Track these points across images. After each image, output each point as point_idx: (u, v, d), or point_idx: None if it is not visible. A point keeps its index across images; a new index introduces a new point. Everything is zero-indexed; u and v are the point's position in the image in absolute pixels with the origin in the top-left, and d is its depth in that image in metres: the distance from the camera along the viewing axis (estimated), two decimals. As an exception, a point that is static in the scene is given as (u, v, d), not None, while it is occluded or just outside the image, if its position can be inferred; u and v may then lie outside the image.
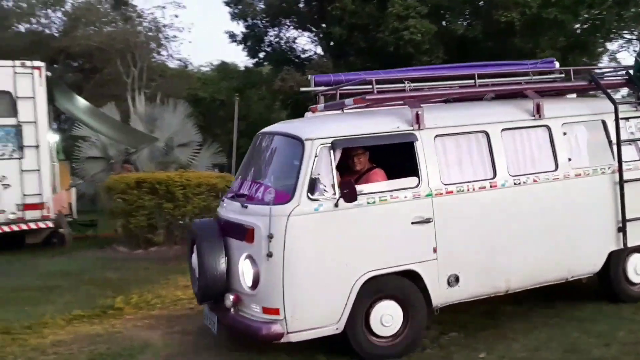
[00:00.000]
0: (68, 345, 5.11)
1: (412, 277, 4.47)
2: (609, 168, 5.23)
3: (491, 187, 4.74)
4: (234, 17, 19.86)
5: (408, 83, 5.24)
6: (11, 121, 9.93)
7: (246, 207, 4.48)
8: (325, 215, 4.22)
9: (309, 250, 4.20)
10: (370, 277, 4.29)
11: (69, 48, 19.55)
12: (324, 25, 19.83)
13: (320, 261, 4.21)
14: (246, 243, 4.30)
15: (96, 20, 20.84)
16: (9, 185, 9.84)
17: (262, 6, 19.92)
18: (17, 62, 10.21)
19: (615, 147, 5.26)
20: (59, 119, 18.05)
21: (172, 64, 23.49)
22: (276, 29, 20.88)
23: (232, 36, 20.34)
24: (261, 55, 20.93)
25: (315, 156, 4.27)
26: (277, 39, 21.04)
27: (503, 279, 4.80)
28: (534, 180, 4.91)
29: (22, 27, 21.13)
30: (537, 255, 4.91)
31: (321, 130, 4.47)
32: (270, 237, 4.10)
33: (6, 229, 9.84)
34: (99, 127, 13.05)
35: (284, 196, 4.22)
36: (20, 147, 9.92)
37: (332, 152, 4.31)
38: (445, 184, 4.58)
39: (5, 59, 10.72)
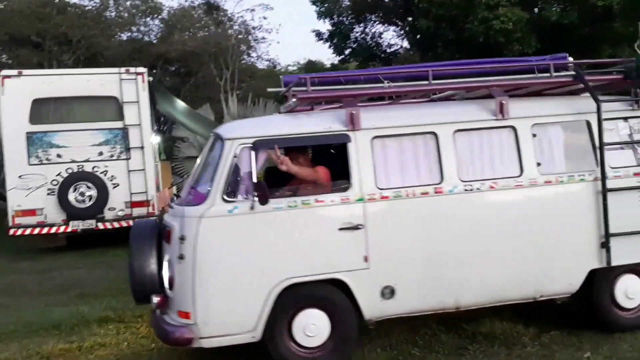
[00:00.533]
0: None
1: (342, 287, 4.18)
2: (590, 175, 4.54)
3: (436, 192, 4.31)
4: (320, 15, 20.10)
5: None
6: (118, 124, 10.67)
7: (172, 207, 4.46)
8: (240, 218, 4.04)
9: (222, 254, 4.03)
10: (290, 284, 4.07)
11: (166, 53, 20.67)
12: (410, 18, 19.65)
13: (234, 265, 4.03)
14: (167, 245, 4.22)
15: (190, 26, 21.87)
16: (117, 184, 10.60)
17: (348, 3, 20.05)
18: (122, 69, 10.95)
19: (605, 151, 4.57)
20: (160, 121, 19.12)
21: (261, 65, 24.24)
22: (362, 25, 20.94)
23: (319, 34, 20.61)
24: (347, 52, 21.05)
25: (235, 156, 4.10)
26: (362, 35, 21.10)
27: (451, 294, 4.34)
28: (491, 187, 4.38)
29: (124, 36, 22.56)
30: (494, 270, 4.37)
31: (244, 130, 4.31)
32: (182, 238, 4.01)
33: (116, 224, 10.61)
34: (196, 128, 13.74)
35: (201, 197, 4.14)
36: (127, 149, 10.63)
37: (253, 152, 4.09)
38: (381, 189, 4.24)
39: (111, 67, 11.51)
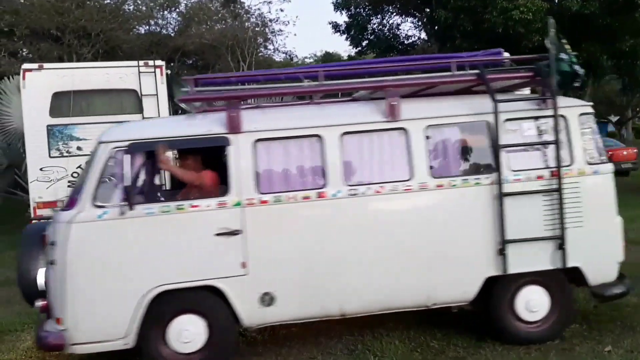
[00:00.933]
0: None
1: (220, 293, 4.11)
2: (486, 178, 4.32)
3: (319, 197, 4.18)
4: (337, 7, 20.05)
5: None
6: (138, 117, 10.71)
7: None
8: (111, 224, 3.98)
9: (92, 260, 3.97)
10: (163, 291, 4.01)
11: (183, 46, 20.74)
12: (427, 9, 19.49)
13: (104, 272, 3.98)
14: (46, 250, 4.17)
15: (208, 18, 21.90)
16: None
17: (365, -6, 19.95)
18: (141, 63, 11.02)
19: (502, 154, 4.34)
20: (177, 113, 19.24)
21: (278, 58, 24.21)
22: (379, 16, 20.84)
23: (336, 26, 20.56)
24: (364, 43, 20.98)
25: (108, 160, 4.04)
26: (380, 27, 21.01)
27: (335, 301, 4.22)
28: (377, 191, 4.23)
29: (142, 30, 22.69)
30: (381, 277, 4.23)
31: (121, 133, 4.23)
32: (52, 244, 3.98)
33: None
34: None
35: (73, 203, 4.09)
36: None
37: (129, 155, 3.99)
38: (262, 193, 4.15)
39: (129, 60, 11.59)
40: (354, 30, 20.42)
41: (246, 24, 21.91)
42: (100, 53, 19.78)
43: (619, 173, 19.44)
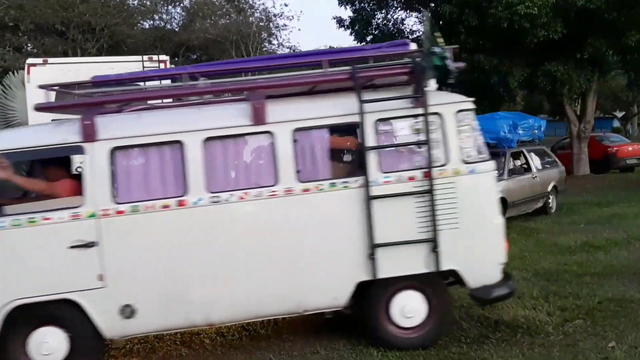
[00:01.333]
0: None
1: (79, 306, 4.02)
2: (355, 181, 4.17)
3: (180, 205, 4.05)
4: (342, 1, 19.97)
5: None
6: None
7: None
8: None
9: None
10: (20, 305, 3.93)
11: (188, 41, 20.79)
12: (432, 4, 19.39)
13: None
14: None
15: (212, 13, 21.90)
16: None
17: (370, -11, 19.89)
18: (146, 57, 11.01)
19: (370, 155, 4.17)
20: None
21: (282, 52, 24.15)
22: (383, 11, 20.76)
23: (340, 21, 20.50)
24: (369, 38, 20.89)
25: None
26: (384, 22, 20.93)
27: (200, 311, 4.11)
28: (240, 198, 4.09)
29: (146, 24, 22.71)
30: (247, 285, 4.11)
31: None
32: None
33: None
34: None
35: None
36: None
37: None
38: (118, 203, 4.01)
39: (133, 55, 11.60)
40: (358, 25, 20.35)
41: (250, 18, 21.92)
42: (105, 48, 19.80)
43: (624, 169, 19.43)
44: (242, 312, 4.20)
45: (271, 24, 22.51)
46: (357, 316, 4.45)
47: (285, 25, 22.59)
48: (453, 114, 4.28)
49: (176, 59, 20.62)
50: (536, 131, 11.04)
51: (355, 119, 4.17)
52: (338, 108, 4.25)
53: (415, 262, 4.18)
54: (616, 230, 8.77)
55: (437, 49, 4.03)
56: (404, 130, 4.25)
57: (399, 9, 20.94)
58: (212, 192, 4.09)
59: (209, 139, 4.13)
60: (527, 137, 10.75)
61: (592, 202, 12.15)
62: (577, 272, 6.25)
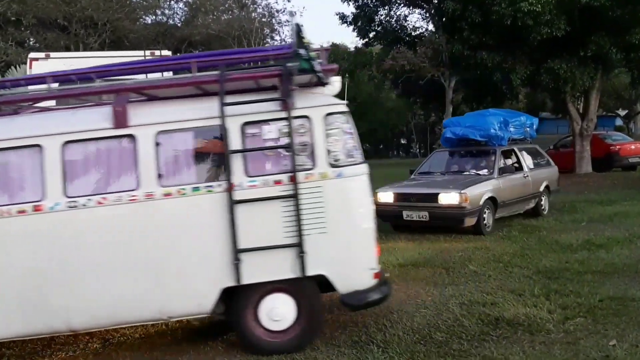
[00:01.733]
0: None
1: None
2: (219, 185, 4.09)
3: (35, 210, 3.98)
4: (345, -2, 19.96)
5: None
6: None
7: None
8: None
9: None
10: None
11: (190, 37, 20.78)
12: (435, 1, 19.36)
13: None
14: None
15: (214, 9, 21.89)
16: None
17: (373, -15, 19.85)
18: (148, 52, 10.99)
19: (234, 159, 4.09)
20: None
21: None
22: (386, 7, 20.74)
23: (343, 17, 20.47)
24: (371, 35, 20.89)
25: None
26: (387, 18, 20.91)
27: (60, 317, 4.04)
28: (99, 202, 4.02)
29: (148, 19, 22.69)
30: (108, 291, 4.04)
31: None
32: None
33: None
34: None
35: None
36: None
37: None
38: None
39: (136, 50, 11.59)
40: (361, 22, 20.34)
41: (253, 14, 21.89)
42: (107, 43, 19.81)
43: (626, 167, 19.37)
44: (103, 319, 4.14)
45: (274, 20, 22.49)
46: (229, 321, 4.36)
47: (287, 21, 22.47)
48: (322, 117, 4.19)
49: (178, 54, 20.61)
50: (528, 129, 10.69)
51: (219, 122, 4.10)
52: (203, 111, 4.17)
53: (281, 267, 4.11)
54: (618, 228, 8.75)
55: (302, 51, 3.91)
56: (271, 134, 4.17)
57: (402, 5, 20.94)
58: (69, 197, 4.04)
59: (68, 142, 4.08)
60: (518, 135, 10.42)
61: (594, 201, 12.13)
62: (578, 270, 6.24)
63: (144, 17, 22.59)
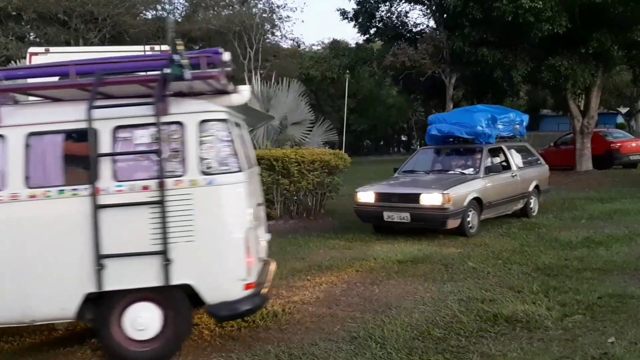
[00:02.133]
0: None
1: None
2: (86, 189, 4.02)
3: None
4: (346, -7, 19.91)
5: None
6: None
7: None
8: None
9: None
10: None
11: (190, 32, 20.72)
12: (437, -3, 19.31)
13: None
14: None
15: (215, 4, 21.85)
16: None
17: (374, -19, 19.82)
18: (147, 47, 10.97)
19: (101, 163, 4.03)
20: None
21: (286, 44, 24.15)
22: (387, 4, 20.70)
23: (344, 13, 20.45)
24: (372, 31, 20.88)
25: None
26: (388, 14, 20.88)
27: None
28: None
29: (149, 15, 22.65)
30: None
31: None
32: None
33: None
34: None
35: None
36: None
37: None
38: None
39: (136, 45, 11.54)
40: (362, 18, 20.32)
41: (253, 10, 21.85)
42: (107, 38, 19.77)
43: (627, 165, 19.36)
44: None
45: (274, 16, 22.45)
46: (95, 328, 4.26)
47: (288, 16, 22.55)
48: (196, 124, 4.12)
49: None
50: (518, 126, 10.32)
51: (93, 125, 4.04)
52: (74, 113, 4.10)
53: (146, 275, 4.03)
54: (618, 226, 8.75)
55: (175, 57, 3.85)
56: (143, 139, 4.10)
57: (403, 1, 20.88)
58: None
59: None
60: (507, 133, 10.01)
61: (594, 198, 12.12)
62: (577, 268, 6.24)
63: (144, 12, 22.57)
